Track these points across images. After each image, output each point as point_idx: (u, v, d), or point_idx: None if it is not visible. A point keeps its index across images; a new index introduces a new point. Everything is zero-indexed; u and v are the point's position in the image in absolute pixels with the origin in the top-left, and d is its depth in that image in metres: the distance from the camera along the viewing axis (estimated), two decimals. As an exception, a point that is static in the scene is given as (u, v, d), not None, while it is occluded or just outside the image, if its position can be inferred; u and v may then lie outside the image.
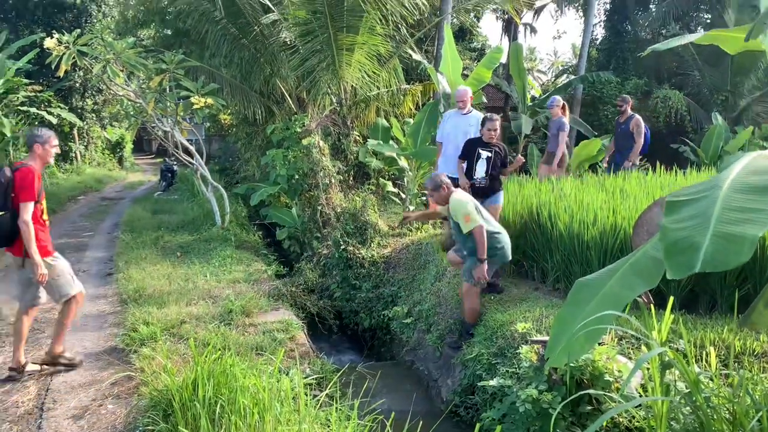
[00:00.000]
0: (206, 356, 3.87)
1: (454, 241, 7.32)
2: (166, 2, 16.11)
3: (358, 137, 12.03)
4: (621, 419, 3.45)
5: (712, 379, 3.15)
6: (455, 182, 7.19)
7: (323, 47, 10.80)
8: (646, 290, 2.77)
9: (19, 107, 16.99)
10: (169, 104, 10.33)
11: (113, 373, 4.79)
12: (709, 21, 19.55)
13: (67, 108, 19.56)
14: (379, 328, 7.80)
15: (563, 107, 8.90)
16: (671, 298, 3.28)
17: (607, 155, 9.80)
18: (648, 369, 3.17)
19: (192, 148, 10.97)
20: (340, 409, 3.60)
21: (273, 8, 11.38)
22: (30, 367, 4.90)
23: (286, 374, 4.14)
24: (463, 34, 21.06)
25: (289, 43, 11.86)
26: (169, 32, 18.32)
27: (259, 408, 3.47)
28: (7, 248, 4.69)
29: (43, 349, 5.40)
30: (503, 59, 17.54)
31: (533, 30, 31.32)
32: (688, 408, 2.91)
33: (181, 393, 3.67)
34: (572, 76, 20.89)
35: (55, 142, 4.81)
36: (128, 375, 4.65)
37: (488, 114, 6.59)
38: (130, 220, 12.00)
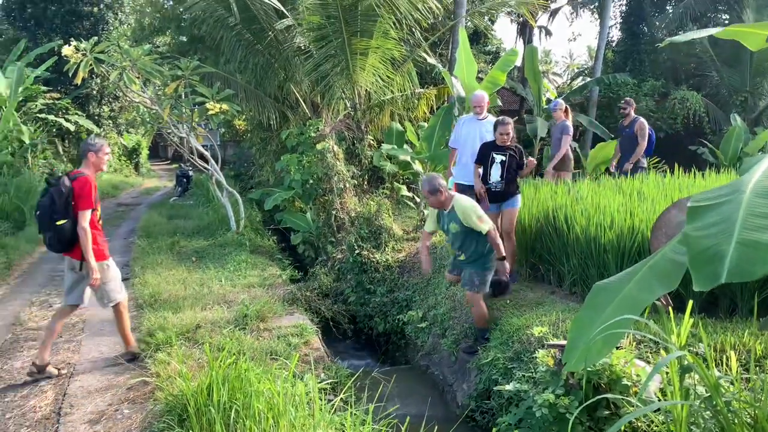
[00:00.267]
0: (221, 361, 3.87)
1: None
2: (181, 9, 16.26)
3: (372, 141, 12.03)
4: (639, 424, 3.39)
5: (732, 383, 3.09)
6: (470, 189, 7.16)
7: (337, 52, 10.83)
8: (665, 293, 2.73)
9: (37, 114, 17.24)
10: (184, 110, 10.40)
11: (129, 378, 4.82)
12: (727, 22, 19.35)
13: (84, 115, 19.84)
14: (393, 333, 7.76)
15: (566, 110, 8.82)
16: (690, 302, 3.23)
17: (614, 160, 9.73)
18: (667, 373, 3.11)
19: (207, 154, 11.04)
20: (355, 414, 3.58)
21: (287, 14, 11.43)
22: (50, 370, 4.98)
23: (301, 379, 4.13)
24: (477, 38, 21.01)
25: (303, 48, 11.90)
26: (184, 39, 18.51)
27: (273, 413, 3.46)
28: (66, 252, 4.89)
29: (60, 355, 5.45)
30: (518, 62, 17.47)
31: (548, 32, 31.23)
32: (708, 412, 2.86)
33: (196, 398, 3.67)
34: (588, 79, 20.75)
35: (107, 150, 5.02)
36: (144, 380, 4.66)
37: (500, 117, 6.52)
38: (146, 225, 12.09)
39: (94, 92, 20.87)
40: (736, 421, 2.73)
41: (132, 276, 8.28)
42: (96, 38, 9.48)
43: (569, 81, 32.70)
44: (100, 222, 5.05)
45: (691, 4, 18.73)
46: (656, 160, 12.40)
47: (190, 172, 18.64)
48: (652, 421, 3.35)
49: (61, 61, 10.26)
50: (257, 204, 13.58)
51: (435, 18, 12.31)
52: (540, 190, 7.09)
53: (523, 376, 4.26)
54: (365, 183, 11.45)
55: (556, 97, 19.59)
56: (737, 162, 12.94)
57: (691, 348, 3.84)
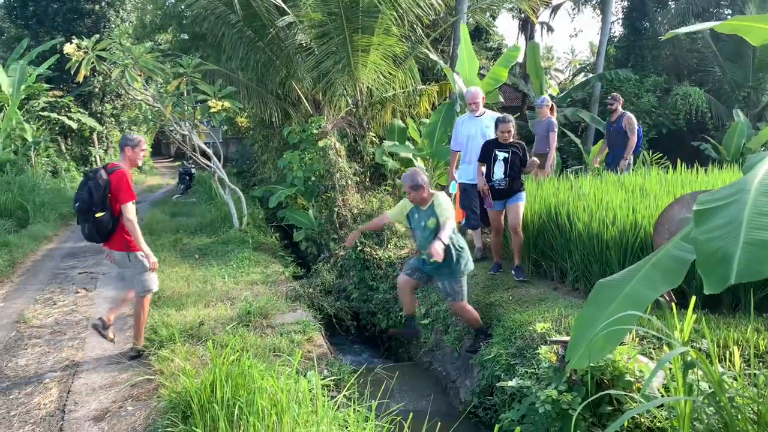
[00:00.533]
0: (224, 358, 3.88)
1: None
2: (182, 6, 16.25)
3: (374, 138, 12.01)
4: (643, 419, 3.40)
5: (736, 379, 3.09)
6: (475, 188, 7.12)
7: (339, 49, 10.81)
8: (668, 290, 2.73)
9: (40, 112, 17.26)
10: (186, 108, 10.40)
11: (133, 375, 4.83)
12: (729, 17, 19.27)
13: (86, 113, 19.87)
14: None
15: (551, 108, 8.77)
16: (693, 298, 3.22)
17: (598, 155, 9.68)
18: (670, 369, 3.12)
19: (209, 151, 11.05)
20: (358, 410, 3.58)
21: (288, 11, 11.42)
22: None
23: (304, 375, 4.14)
24: (479, 34, 21.00)
25: (304, 45, 11.89)
26: (186, 36, 18.50)
27: (277, 409, 3.46)
28: (105, 243, 5.10)
29: (64, 353, 5.47)
30: (520, 58, 17.44)
31: (550, 28, 31.17)
32: (711, 408, 2.86)
33: (199, 395, 3.68)
34: (590, 75, 20.73)
35: (144, 146, 5.23)
36: (147, 377, 4.67)
37: (501, 115, 6.49)
38: (149, 223, 12.11)
39: (97, 90, 20.87)
40: (739, 416, 2.74)
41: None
42: (98, 36, 9.46)
43: (571, 77, 32.64)
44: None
45: (693, -1, 18.70)
46: (659, 155, 12.39)
47: (193, 170, 18.65)
48: (655, 417, 3.35)
49: (63, 59, 10.27)
50: (260, 201, 13.58)
51: (436, 14, 12.29)
52: (542, 186, 7.09)
53: (526, 372, 4.26)
54: (367, 180, 11.45)
55: (558, 93, 19.58)
56: (740, 158, 12.92)
57: (694, 344, 3.84)
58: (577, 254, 5.90)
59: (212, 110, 9.96)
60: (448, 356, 6.21)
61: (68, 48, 8.83)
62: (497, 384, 4.66)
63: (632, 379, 3.46)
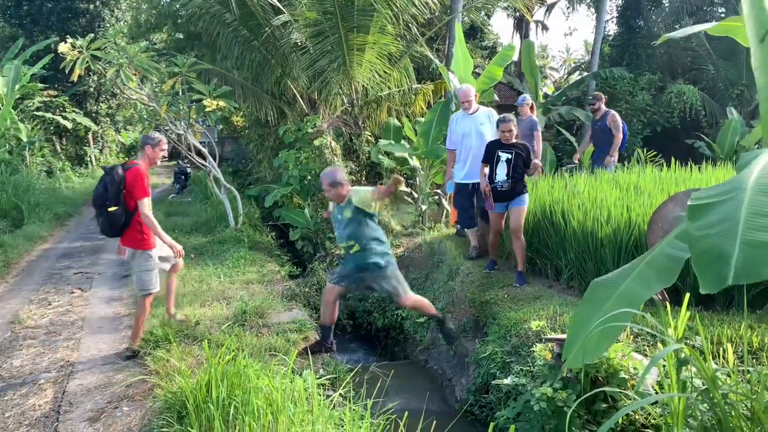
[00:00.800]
0: (220, 358, 3.88)
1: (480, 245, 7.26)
2: (177, 6, 16.21)
3: (369, 137, 12.03)
4: (637, 417, 3.41)
5: (729, 376, 3.11)
6: (471, 188, 7.10)
7: (334, 48, 10.81)
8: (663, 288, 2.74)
9: (34, 112, 17.20)
10: (181, 107, 10.38)
11: (128, 376, 4.83)
12: (723, 15, 19.35)
13: (81, 112, 19.80)
14: (392, 328, 7.78)
15: (531, 106, 8.76)
16: (687, 295, 3.24)
17: (578, 154, 9.69)
18: (664, 366, 3.13)
19: (205, 151, 11.03)
20: (354, 409, 3.59)
21: (283, 9, 11.41)
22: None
23: (300, 375, 4.14)
24: (474, 33, 21.02)
25: (299, 44, 11.88)
26: (181, 35, 18.46)
27: (272, 409, 3.47)
28: (120, 239, 5.25)
29: (59, 353, 5.46)
30: (515, 57, 17.46)
31: (545, 27, 31.19)
32: (705, 405, 2.88)
33: (195, 395, 3.68)
34: (585, 73, 20.78)
35: (165, 146, 5.33)
36: (143, 378, 4.67)
37: (502, 115, 6.43)
38: (144, 222, 12.06)
39: (92, 89, 20.82)
40: (732, 413, 2.75)
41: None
42: (92, 35, 9.42)
43: (566, 75, 32.71)
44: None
45: (687, -3, 18.75)
46: (653, 153, 12.43)
47: (188, 169, 18.60)
48: (650, 414, 3.37)
49: (58, 58, 10.22)
50: (255, 200, 13.57)
51: (431, 13, 12.30)
52: (537, 185, 7.10)
53: (521, 370, 4.28)
54: (363, 178, 11.47)
55: (553, 92, 19.62)
56: (734, 155, 12.96)
57: (688, 341, 3.86)
58: (571, 252, 5.91)
59: (207, 109, 9.94)
60: (444, 354, 6.23)
61: (63, 47, 8.80)
62: (493, 382, 4.67)
63: (627, 377, 3.48)
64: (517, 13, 22.90)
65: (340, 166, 9.95)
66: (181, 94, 10.23)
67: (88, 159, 21.39)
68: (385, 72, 11.79)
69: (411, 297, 5.50)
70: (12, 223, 11.36)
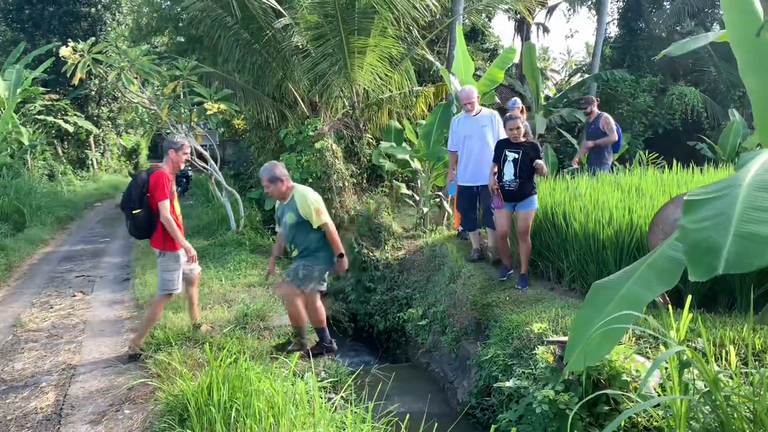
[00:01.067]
0: (221, 360, 3.88)
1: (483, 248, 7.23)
2: (179, 9, 16.24)
3: (370, 140, 12.03)
4: (639, 419, 3.40)
5: (731, 378, 3.10)
6: (477, 191, 7.04)
7: (335, 50, 10.82)
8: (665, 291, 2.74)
9: (36, 116, 17.23)
10: (183, 110, 10.40)
11: (130, 379, 4.83)
12: (723, 17, 19.32)
13: (83, 116, 19.82)
14: (394, 331, 7.78)
15: (522, 110, 8.73)
16: (689, 297, 3.23)
17: (576, 157, 9.69)
18: (666, 368, 3.12)
19: (206, 154, 11.04)
20: (355, 412, 3.59)
21: (285, 13, 11.42)
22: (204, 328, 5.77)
23: (301, 377, 4.14)
24: (475, 35, 20.99)
25: (300, 47, 11.89)
26: (182, 39, 18.48)
27: (274, 411, 3.47)
28: (150, 241, 5.36)
29: (61, 356, 5.46)
30: (516, 59, 17.47)
31: (546, 29, 31.21)
32: (707, 407, 2.87)
33: (196, 397, 3.68)
34: (586, 75, 20.78)
35: (188, 150, 5.48)
36: (144, 381, 4.67)
37: (508, 113, 6.40)
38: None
39: (93, 93, 20.84)
40: (735, 415, 2.74)
41: (132, 276, 8.29)
42: (93, 39, 9.46)
43: (567, 78, 32.72)
44: (176, 213, 5.39)
45: (688, -1, 18.73)
46: (655, 155, 12.41)
47: (190, 172, 18.62)
48: (652, 416, 3.36)
49: (59, 62, 10.25)
50: (257, 203, 13.55)
51: (432, 16, 12.31)
52: (538, 186, 7.09)
53: (523, 372, 4.27)
54: (364, 181, 11.46)
55: (555, 94, 19.62)
56: (736, 157, 12.94)
57: (690, 343, 3.85)
58: (573, 254, 5.90)
59: (209, 113, 9.96)
60: (446, 357, 6.22)
61: (64, 51, 8.82)
62: (494, 385, 4.67)
63: (629, 379, 3.47)
64: (518, 16, 22.91)
65: (341, 168, 9.96)
66: (182, 97, 10.24)
67: (90, 162, 21.40)
68: (386, 75, 11.80)
69: (296, 295, 5.22)
70: (14, 227, 11.37)
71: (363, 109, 11.99)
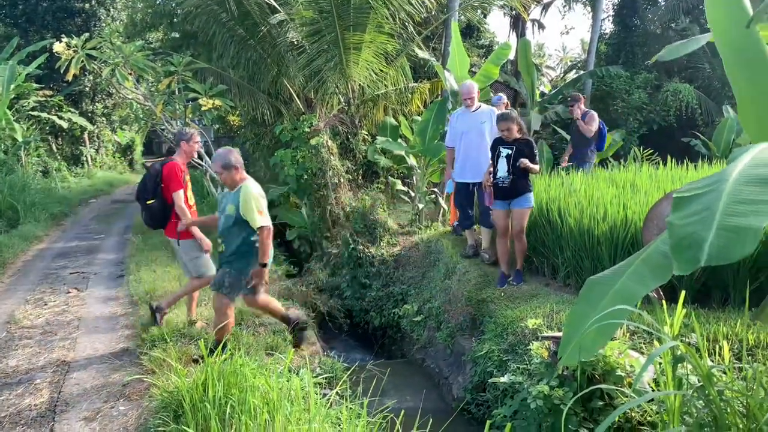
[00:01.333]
0: (216, 357, 3.88)
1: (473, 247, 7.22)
2: (173, 5, 16.17)
3: (366, 136, 12.00)
4: (633, 414, 3.42)
5: (725, 373, 3.11)
6: (470, 188, 7.02)
7: (330, 47, 10.80)
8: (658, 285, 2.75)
9: (30, 112, 17.16)
10: (177, 106, 10.37)
11: (124, 375, 4.82)
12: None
13: (77, 112, 19.74)
14: (389, 327, 7.79)
15: (506, 105, 8.72)
16: (683, 292, 3.24)
17: (566, 155, 9.70)
18: (660, 363, 3.14)
19: (201, 150, 11.01)
20: (351, 408, 3.59)
21: (280, 9, 11.39)
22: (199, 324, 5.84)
23: (297, 374, 4.14)
24: (470, 31, 20.96)
25: (296, 43, 11.86)
26: (176, 35, 18.37)
27: (269, 407, 3.47)
28: (165, 231, 5.59)
29: (55, 353, 5.45)
30: (511, 55, 17.47)
31: (541, 26, 31.08)
32: (701, 402, 2.88)
33: (191, 394, 3.68)
34: (581, 72, 20.78)
35: (198, 138, 5.68)
36: (139, 377, 4.66)
37: (502, 112, 6.38)
38: (140, 222, 11.99)
39: (87, 89, 20.74)
40: (728, 410, 2.75)
41: (127, 273, 8.27)
42: (88, 34, 9.43)
43: (562, 74, 32.71)
44: (191, 203, 5.63)
45: (683, -4, 18.74)
46: (649, 152, 12.44)
47: (185, 169, 18.56)
48: (646, 411, 3.37)
49: (53, 58, 10.20)
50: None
51: (428, 12, 12.27)
52: (533, 183, 7.10)
53: (518, 368, 4.28)
54: (360, 178, 11.44)
55: (550, 90, 19.63)
56: (729, 153, 12.96)
57: (684, 338, 3.86)
58: (568, 250, 5.92)
59: (203, 108, 9.94)
60: (441, 353, 6.23)
61: (58, 47, 8.79)
62: (489, 380, 4.68)
63: (623, 374, 3.48)
64: (514, 12, 22.89)
65: (336, 165, 9.94)
66: (177, 93, 10.21)
67: (84, 159, 21.31)
68: (382, 71, 11.78)
69: (227, 305, 4.97)
70: (8, 223, 11.33)
71: (358, 105, 11.97)
